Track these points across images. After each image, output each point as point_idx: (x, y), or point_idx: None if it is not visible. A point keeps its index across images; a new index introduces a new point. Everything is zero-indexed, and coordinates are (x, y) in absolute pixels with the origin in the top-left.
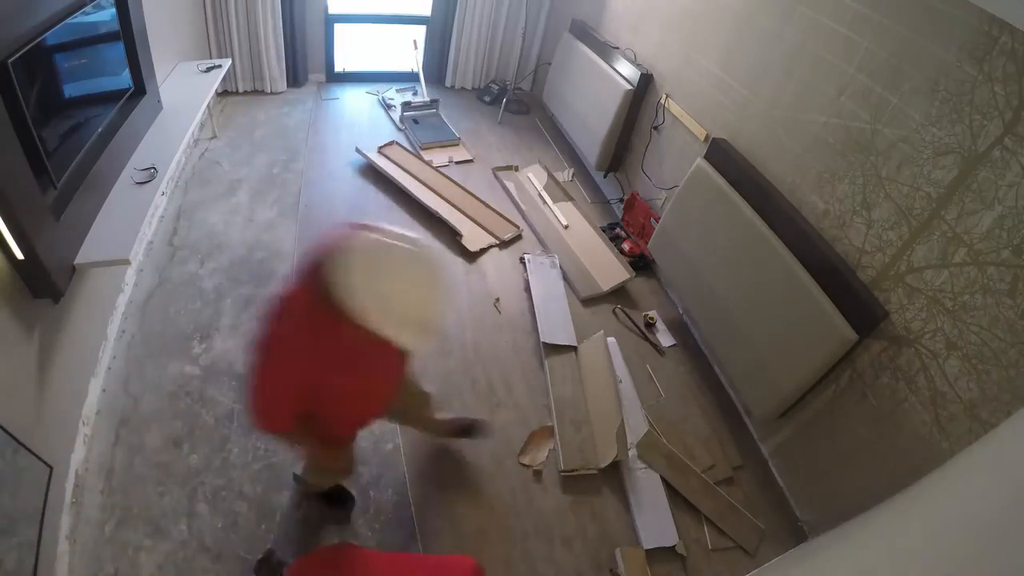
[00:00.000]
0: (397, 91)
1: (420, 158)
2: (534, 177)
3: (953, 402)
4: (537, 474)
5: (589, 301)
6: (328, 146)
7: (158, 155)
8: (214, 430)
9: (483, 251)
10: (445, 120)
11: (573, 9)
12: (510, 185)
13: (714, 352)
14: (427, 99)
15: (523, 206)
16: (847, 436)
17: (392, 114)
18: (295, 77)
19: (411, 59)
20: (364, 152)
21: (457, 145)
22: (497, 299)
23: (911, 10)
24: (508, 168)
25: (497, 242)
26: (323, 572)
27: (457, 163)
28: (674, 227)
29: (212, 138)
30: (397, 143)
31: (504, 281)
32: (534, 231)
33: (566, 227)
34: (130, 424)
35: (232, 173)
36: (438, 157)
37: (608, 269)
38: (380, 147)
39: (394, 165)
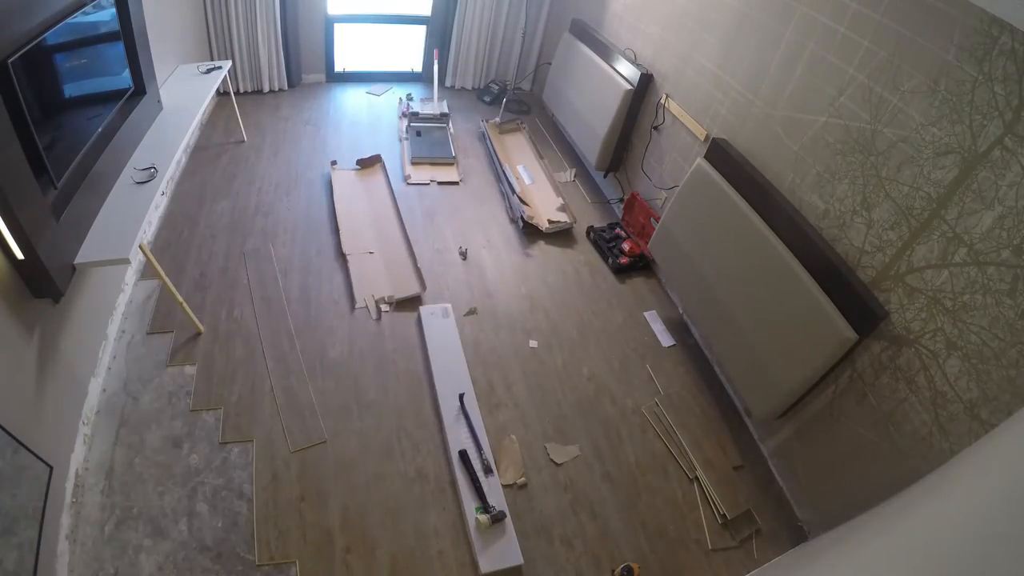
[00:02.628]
0: (421, 100)
1: (388, 182)
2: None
3: (953, 402)
4: (522, 486)
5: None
6: (329, 146)
7: (158, 155)
8: (214, 430)
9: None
10: (450, 136)
11: (573, 9)
12: (493, 141)
13: (714, 352)
14: (438, 112)
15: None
16: (847, 436)
17: (403, 122)
18: (300, 77)
19: (433, 70)
20: (333, 168)
21: (451, 165)
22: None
23: (911, 10)
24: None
25: (390, 302)
26: None
27: (440, 184)
28: (674, 227)
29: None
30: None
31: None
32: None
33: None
34: (130, 424)
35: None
36: (421, 175)
37: (551, 212)
38: (359, 160)
39: (354, 186)
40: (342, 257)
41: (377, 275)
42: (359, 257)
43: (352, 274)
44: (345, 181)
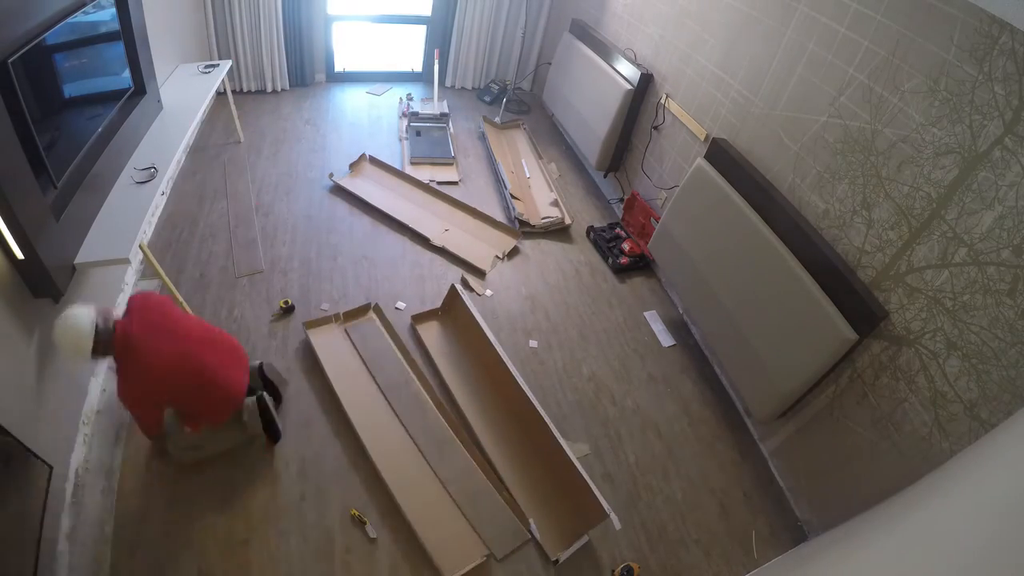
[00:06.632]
0: (422, 99)
1: (399, 173)
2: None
3: (953, 402)
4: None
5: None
6: (329, 146)
7: (158, 155)
8: None
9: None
10: (450, 136)
11: (573, 9)
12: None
13: (714, 352)
14: (438, 112)
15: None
16: (847, 436)
17: (403, 122)
18: (301, 76)
19: (433, 70)
20: (339, 180)
21: (450, 165)
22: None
23: (911, 10)
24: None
25: (502, 257)
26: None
27: (439, 183)
28: (674, 227)
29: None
30: (369, 156)
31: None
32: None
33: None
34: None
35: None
36: (421, 175)
37: (545, 210)
38: (351, 164)
39: (375, 186)
40: (431, 251)
41: (472, 241)
42: (445, 238)
43: (458, 254)
44: (356, 184)
